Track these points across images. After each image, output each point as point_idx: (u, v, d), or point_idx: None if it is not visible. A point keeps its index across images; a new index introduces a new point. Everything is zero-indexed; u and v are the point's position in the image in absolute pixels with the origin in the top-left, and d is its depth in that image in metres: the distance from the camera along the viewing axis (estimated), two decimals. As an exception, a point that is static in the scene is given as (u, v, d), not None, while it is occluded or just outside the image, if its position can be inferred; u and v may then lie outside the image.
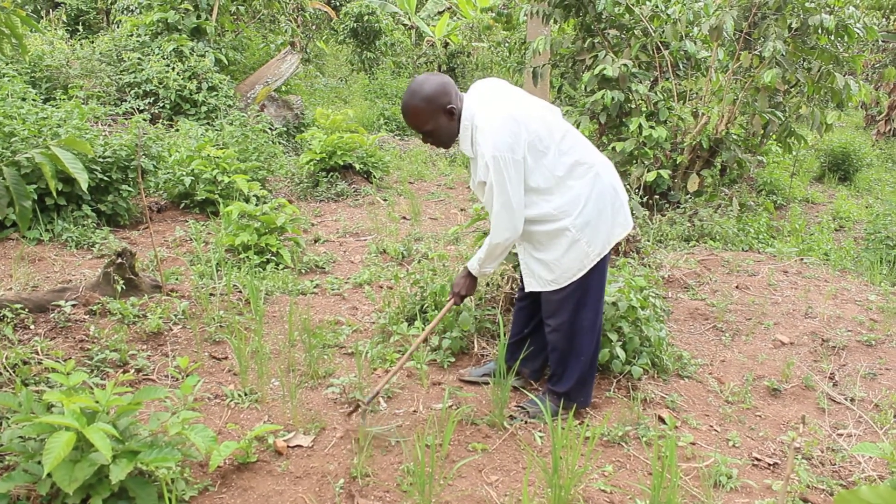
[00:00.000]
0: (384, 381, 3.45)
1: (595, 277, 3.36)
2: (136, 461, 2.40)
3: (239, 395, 3.62)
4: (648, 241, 6.42)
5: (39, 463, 2.35)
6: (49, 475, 2.30)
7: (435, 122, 3.21)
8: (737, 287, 5.78)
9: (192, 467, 2.92)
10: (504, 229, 3.21)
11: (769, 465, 3.42)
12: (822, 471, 3.38)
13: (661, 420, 3.68)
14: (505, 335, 3.65)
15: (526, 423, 3.55)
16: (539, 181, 3.21)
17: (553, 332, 3.47)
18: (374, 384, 3.80)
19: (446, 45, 20.06)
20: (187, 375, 3.57)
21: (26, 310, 4.12)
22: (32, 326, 4.06)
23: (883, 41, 14.26)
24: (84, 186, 2.31)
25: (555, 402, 3.52)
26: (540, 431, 3.46)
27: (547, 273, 3.35)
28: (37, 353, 3.72)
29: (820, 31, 6.98)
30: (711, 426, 3.74)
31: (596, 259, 3.29)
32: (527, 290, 3.48)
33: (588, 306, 3.40)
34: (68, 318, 4.14)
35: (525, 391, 3.81)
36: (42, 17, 14.53)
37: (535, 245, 3.34)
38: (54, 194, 2.56)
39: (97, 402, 2.49)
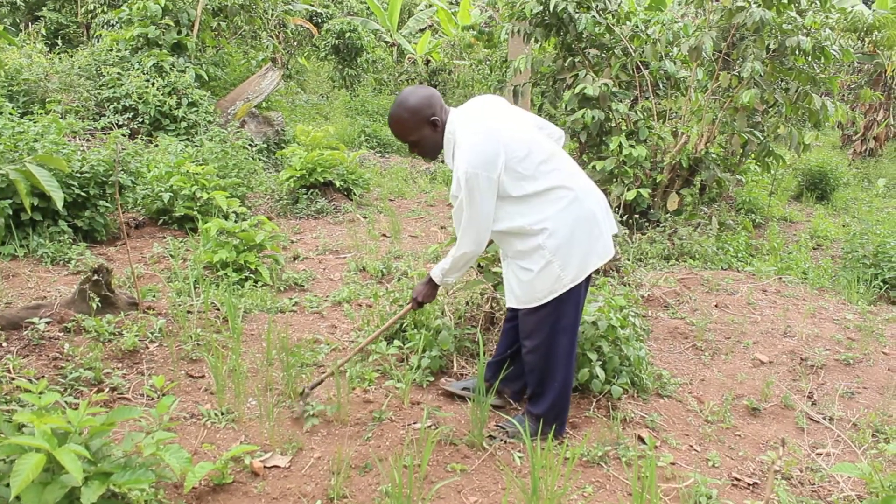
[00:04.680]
0: (327, 374, 3.73)
1: (570, 305, 3.34)
2: (109, 483, 2.35)
3: (215, 415, 3.57)
4: (628, 259, 6.43)
5: (8, 485, 2.29)
6: (18, 498, 2.24)
7: (419, 133, 3.28)
8: (716, 306, 5.80)
9: (167, 489, 2.87)
10: (469, 243, 3.25)
11: (749, 485, 3.42)
12: (801, 490, 3.38)
13: (641, 440, 3.67)
14: (485, 354, 3.63)
15: (505, 442, 3.52)
16: (516, 198, 3.21)
17: (529, 353, 3.45)
18: (358, 404, 3.78)
19: (428, 62, 20.12)
20: (163, 395, 3.52)
21: (-1, 327, 4.06)
22: (5, 344, 3.99)
23: (858, 63, 14.46)
24: (59, 205, 2.28)
25: (533, 422, 3.50)
26: (519, 452, 3.44)
27: (519, 290, 3.35)
28: (9, 372, 3.65)
29: (797, 52, 7.06)
30: (691, 446, 3.73)
31: (570, 285, 3.27)
32: (507, 304, 3.48)
33: (563, 332, 3.38)
34: (42, 336, 4.07)
35: (502, 413, 3.79)
36: (21, 31, 14.45)
37: (516, 260, 3.34)
38: (29, 212, 2.52)
39: (69, 422, 2.44)
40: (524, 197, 3.21)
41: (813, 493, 3.39)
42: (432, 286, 3.56)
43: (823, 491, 3.40)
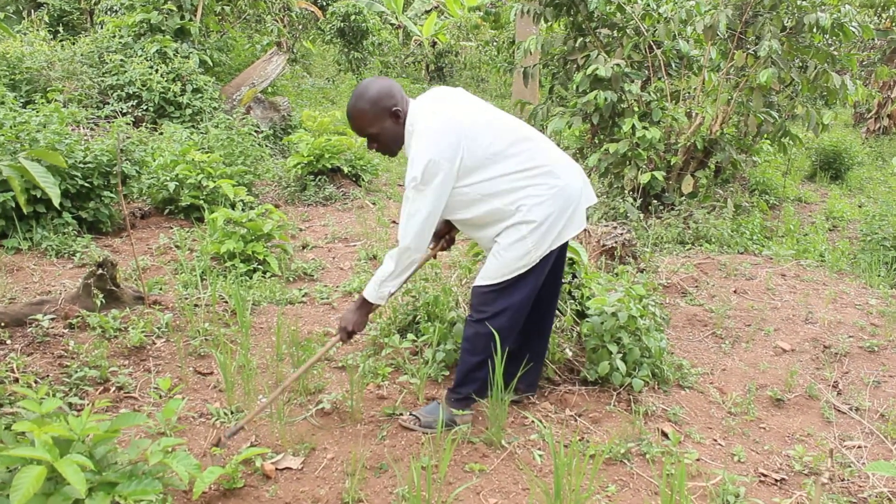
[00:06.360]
0: (247, 419, 3.20)
1: (529, 282, 3.21)
2: (114, 494, 2.25)
3: (225, 414, 3.46)
4: (646, 245, 6.30)
5: (9, 496, 2.19)
6: (19, 511, 2.14)
7: (380, 125, 3.12)
8: (735, 292, 5.67)
9: (175, 494, 2.77)
10: (413, 235, 3.06)
11: (776, 480, 3.30)
12: (831, 487, 3.26)
13: (664, 435, 3.55)
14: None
15: (426, 434, 3.36)
16: (488, 181, 3.08)
17: (474, 323, 3.28)
18: (372, 401, 3.67)
19: (434, 44, 19.94)
20: (171, 397, 3.42)
21: (2, 324, 3.96)
22: (9, 341, 3.90)
23: (879, 39, 14.20)
24: (56, 202, 2.15)
25: (456, 405, 3.40)
26: (539, 450, 3.32)
27: (483, 269, 3.24)
28: (13, 371, 3.56)
29: (815, 29, 6.87)
30: (715, 440, 3.61)
31: (537, 260, 3.15)
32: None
33: (515, 308, 3.24)
34: (46, 333, 3.98)
35: (519, 408, 3.67)
36: (24, 18, 14.30)
37: (494, 247, 3.22)
38: (24, 209, 2.41)
39: (71, 429, 2.33)
40: (498, 180, 3.08)
41: (843, 489, 3.27)
42: (365, 310, 3.29)
43: (854, 487, 3.28)
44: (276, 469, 3.05)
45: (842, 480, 3.33)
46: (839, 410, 4.03)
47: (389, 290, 3.22)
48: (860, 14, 8.05)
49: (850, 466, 3.43)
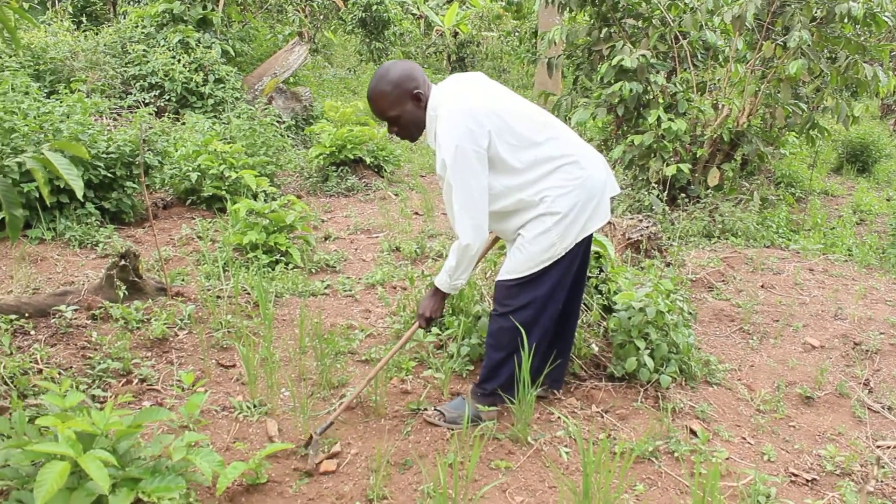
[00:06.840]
0: (336, 413, 3.23)
1: (554, 275, 3.16)
2: (138, 490, 2.23)
3: (248, 407, 3.43)
4: (672, 239, 6.20)
5: (32, 491, 2.17)
6: (43, 506, 2.12)
7: (401, 107, 3.07)
8: (762, 286, 5.58)
9: (199, 490, 2.74)
10: (468, 230, 3.01)
11: (807, 481, 3.23)
12: (864, 489, 3.19)
13: (693, 433, 3.48)
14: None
15: (451, 430, 3.32)
16: (516, 170, 3.03)
17: (499, 316, 3.24)
18: (396, 395, 3.63)
19: (456, 34, 19.84)
20: (194, 390, 3.39)
21: (26, 315, 3.95)
22: (33, 332, 3.90)
23: (903, 29, 13.96)
24: (79, 194, 2.13)
25: (483, 399, 3.36)
26: (566, 447, 3.27)
27: (508, 261, 3.19)
28: (36, 362, 3.55)
29: (846, 19, 6.73)
30: (744, 438, 3.54)
31: (562, 253, 3.10)
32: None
33: (542, 301, 3.19)
34: (69, 324, 3.97)
35: (544, 404, 3.62)
36: (48, 9, 14.35)
37: (517, 240, 3.17)
38: (47, 202, 2.39)
39: (94, 424, 2.31)
40: (523, 170, 3.03)
41: (877, 490, 3.19)
42: (439, 297, 3.28)
43: (889, 489, 3.21)
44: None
45: (876, 482, 3.26)
46: (871, 409, 3.95)
47: (461, 282, 3.21)
48: (893, 3, 7.85)
49: (883, 468, 3.36)
